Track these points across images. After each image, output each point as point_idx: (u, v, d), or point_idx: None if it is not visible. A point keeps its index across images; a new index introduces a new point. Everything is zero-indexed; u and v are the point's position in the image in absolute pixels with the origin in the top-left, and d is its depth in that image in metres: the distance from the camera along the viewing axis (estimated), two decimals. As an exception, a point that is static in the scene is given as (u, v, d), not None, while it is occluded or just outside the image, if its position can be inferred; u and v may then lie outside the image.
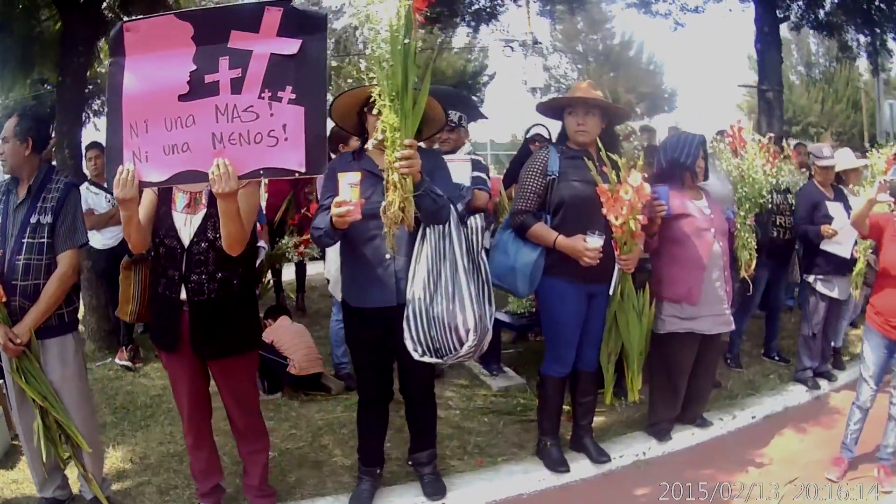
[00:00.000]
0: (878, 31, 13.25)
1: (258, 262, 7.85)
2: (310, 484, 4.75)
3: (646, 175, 4.48)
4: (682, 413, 5.77)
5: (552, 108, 4.95)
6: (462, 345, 3.78)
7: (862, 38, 13.93)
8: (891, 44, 13.76)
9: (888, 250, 4.92)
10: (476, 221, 4.04)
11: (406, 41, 3.28)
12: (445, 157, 6.61)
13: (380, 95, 3.41)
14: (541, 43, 23.42)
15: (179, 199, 3.79)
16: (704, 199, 5.33)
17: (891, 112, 16.10)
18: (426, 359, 3.86)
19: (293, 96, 3.36)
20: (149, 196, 3.79)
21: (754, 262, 5.73)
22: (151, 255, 3.94)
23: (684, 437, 5.75)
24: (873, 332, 4.99)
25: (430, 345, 3.83)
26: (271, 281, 8.45)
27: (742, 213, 5.67)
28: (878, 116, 16.61)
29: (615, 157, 4.45)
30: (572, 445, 5.27)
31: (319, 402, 6.15)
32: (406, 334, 3.84)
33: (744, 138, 5.74)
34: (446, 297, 3.77)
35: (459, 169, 6.21)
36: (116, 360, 7.22)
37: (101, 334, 7.79)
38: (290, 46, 3.34)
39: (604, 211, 4.49)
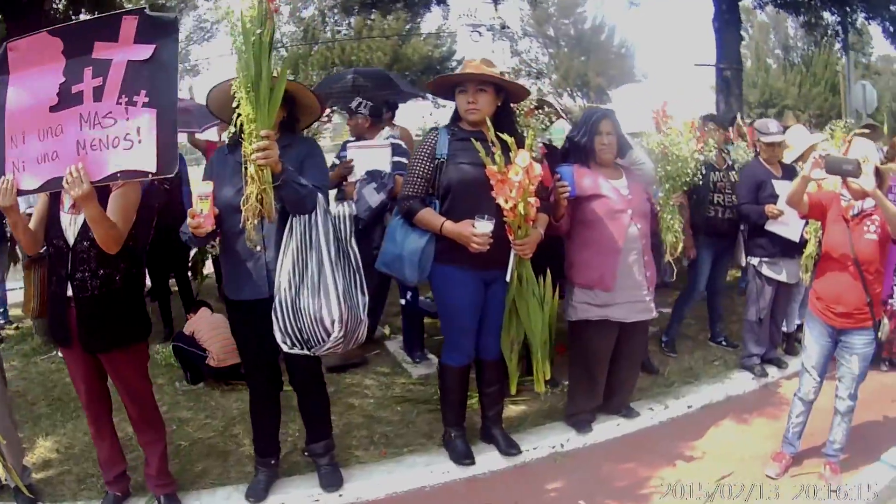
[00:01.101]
0: (848, 9, 12.94)
1: (192, 253, 8.19)
2: (214, 473, 4.73)
3: (535, 155, 4.31)
4: (607, 403, 5.48)
5: (443, 87, 4.70)
6: (329, 336, 3.79)
7: (830, 17, 13.67)
8: (862, 23, 13.43)
9: (832, 231, 4.58)
10: (343, 209, 3.99)
11: (259, 31, 3.33)
12: (362, 143, 6.65)
13: (239, 87, 3.45)
14: (509, 28, 23.17)
15: (66, 200, 3.89)
16: (623, 179, 5.03)
17: (863, 93, 15.79)
18: (295, 350, 3.87)
19: (146, 100, 3.52)
20: (42, 198, 3.99)
21: (681, 244, 5.37)
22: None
23: (608, 429, 5.45)
24: (815, 320, 4.69)
25: (299, 336, 3.83)
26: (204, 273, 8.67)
27: (664, 193, 5.33)
28: (849, 96, 16.34)
29: (505, 136, 4.19)
30: (482, 436, 5.08)
31: (240, 391, 5.96)
32: (275, 326, 3.83)
33: (668, 114, 5.36)
34: (312, 289, 3.77)
35: (377, 155, 6.31)
36: (58, 353, 7.01)
37: (46, 329, 7.52)
38: (145, 52, 3.51)
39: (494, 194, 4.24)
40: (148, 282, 7.23)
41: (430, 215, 4.35)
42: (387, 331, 7.45)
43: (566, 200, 4.69)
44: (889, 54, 32.10)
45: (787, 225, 6.08)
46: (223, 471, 4.75)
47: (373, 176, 6.21)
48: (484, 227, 4.12)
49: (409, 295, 6.63)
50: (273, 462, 4.49)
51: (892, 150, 7.54)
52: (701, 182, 5.84)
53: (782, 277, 6.28)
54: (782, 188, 6.13)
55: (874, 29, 13.88)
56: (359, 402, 5.83)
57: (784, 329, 7.04)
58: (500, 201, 4.14)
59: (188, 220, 3.67)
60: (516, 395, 5.52)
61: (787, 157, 6.76)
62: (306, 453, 4.69)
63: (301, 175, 3.78)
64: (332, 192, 7.94)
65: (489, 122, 4.20)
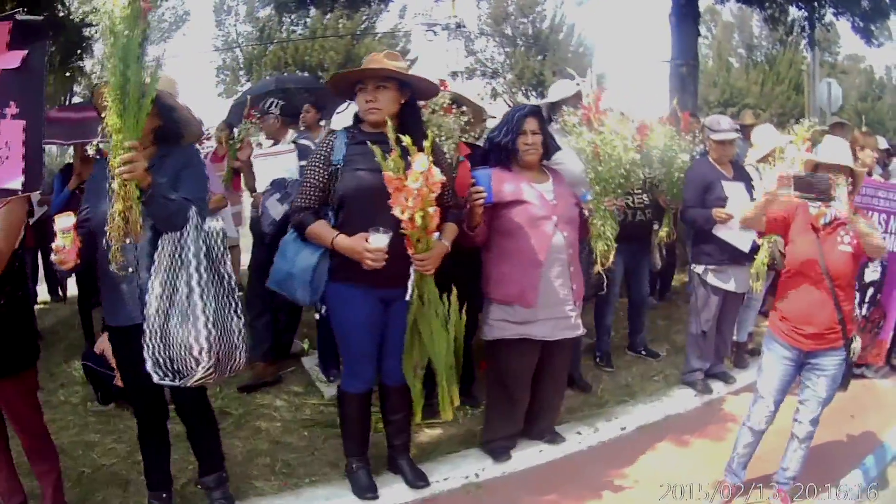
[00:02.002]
0: (816, 4, 12.69)
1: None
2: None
3: (449, 159, 3.96)
4: (529, 427, 5.00)
5: (343, 86, 4.21)
6: (198, 364, 3.43)
7: (797, 12, 13.42)
8: (830, 18, 13.26)
9: (799, 243, 4.08)
10: (215, 226, 3.62)
11: (128, 33, 3.04)
12: (265, 151, 6.22)
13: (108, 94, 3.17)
14: (465, 27, 22.92)
15: None
16: (550, 183, 4.60)
17: (828, 91, 15.57)
18: (167, 381, 3.49)
19: (16, 111, 3.34)
20: None
21: (613, 254, 4.90)
22: None
23: (529, 456, 4.95)
24: (776, 342, 4.19)
25: (170, 366, 3.47)
26: None
27: (595, 196, 4.85)
28: (813, 94, 16.16)
29: (405, 138, 3.71)
30: (389, 466, 4.62)
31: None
32: (145, 355, 3.45)
33: (600, 108, 4.85)
34: (181, 314, 3.43)
35: (282, 162, 5.87)
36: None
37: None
38: (15, 59, 3.34)
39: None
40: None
41: (321, 229, 3.95)
42: (305, 345, 6.91)
43: (482, 208, 4.27)
44: (856, 53, 32.54)
45: (734, 230, 5.61)
46: (123, 500, 4.40)
47: (276, 186, 5.73)
48: (379, 241, 3.73)
49: (324, 309, 6.10)
50: (164, 496, 4.11)
51: (854, 145, 7.12)
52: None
53: (730, 287, 5.83)
54: (733, 190, 5.72)
55: (842, 25, 13.62)
56: (266, 425, 5.39)
57: (735, 338, 6.62)
58: (397, 211, 3.69)
59: (52, 254, 3.33)
60: (432, 419, 5.07)
61: (751, 157, 6.37)
62: (199, 486, 4.34)
63: (177, 187, 3.53)
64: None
65: (389, 123, 3.77)
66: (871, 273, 6.15)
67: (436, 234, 3.93)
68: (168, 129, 3.75)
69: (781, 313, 4.15)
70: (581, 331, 4.73)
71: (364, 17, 22.63)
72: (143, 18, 3.12)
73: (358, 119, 4.16)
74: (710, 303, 5.85)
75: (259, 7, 21.70)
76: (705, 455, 5.04)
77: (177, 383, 3.51)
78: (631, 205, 6.20)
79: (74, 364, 6.39)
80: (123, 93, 3.12)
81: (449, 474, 4.65)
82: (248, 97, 8.75)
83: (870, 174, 6.72)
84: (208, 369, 3.47)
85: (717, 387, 6.14)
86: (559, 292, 4.51)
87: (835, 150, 4.09)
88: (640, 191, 6.28)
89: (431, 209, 3.71)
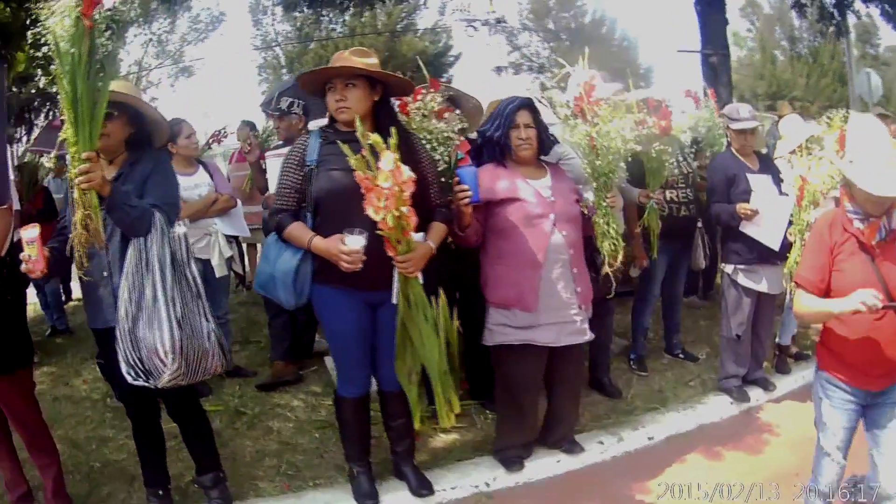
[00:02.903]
0: None
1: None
2: (118, 498, 4.41)
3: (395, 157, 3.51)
4: (545, 436, 4.79)
5: (314, 86, 4.10)
6: (166, 367, 3.48)
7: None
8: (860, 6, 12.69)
9: (848, 270, 3.28)
10: (179, 230, 3.67)
11: (73, 51, 3.12)
12: (278, 151, 6.09)
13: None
14: (505, 22, 22.71)
15: None
16: (547, 178, 4.40)
17: (868, 81, 15.02)
18: (140, 382, 3.53)
19: None
20: None
21: (620, 254, 4.52)
22: None
23: (545, 466, 4.71)
24: (834, 385, 3.44)
25: (141, 367, 3.52)
26: None
27: (595, 192, 4.54)
28: (851, 84, 15.64)
29: (374, 136, 3.51)
30: (395, 472, 4.48)
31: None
32: (119, 357, 3.52)
33: (597, 98, 4.45)
34: (148, 316, 3.49)
35: None
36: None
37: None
38: None
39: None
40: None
41: (299, 231, 3.88)
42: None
43: (470, 207, 4.08)
44: (897, 44, 31.64)
45: (764, 227, 5.25)
46: (127, 496, 4.39)
47: None
48: (354, 242, 3.62)
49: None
50: (161, 493, 4.15)
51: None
52: None
53: (762, 287, 5.45)
54: (758, 183, 5.36)
55: (873, 11, 13.19)
56: (279, 425, 5.31)
57: (777, 341, 6.27)
58: (370, 212, 3.52)
59: (22, 263, 3.45)
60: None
61: (781, 149, 5.96)
62: (196, 485, 4.32)
63: (145, 193, 3.61)
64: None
65: (359, 121, 3.60)
66: None
67: (420, 235, 3.82)
68: (139, 136, 3.86)
69: (841, 357, 3.39)
70: (588, 336, 4.47)
71: (403, 14, 22.58)
72: (88, 36, 3.16)
73: (333, 119, 4.04)
74: (743, 305, 5.50)
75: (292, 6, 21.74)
76: (738, 468, 4.70)
77: (149, 384, 3.55)
78: (674, 199, 5.94)
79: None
80: (75, 107, 3.19)
81: (457, 483, 4.47)
82: (276, 95, 8.62)
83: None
84: (176, 371, 3.50)
85: (756, 394, 5.77)
86: (562, 295, 4.29)
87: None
88: (682, 185, 5.99)
89: (404, 209, 3.54)
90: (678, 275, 6.39)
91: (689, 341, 6.84)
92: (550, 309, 4.26)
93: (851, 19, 13.67)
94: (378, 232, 3.58)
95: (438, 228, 3.99)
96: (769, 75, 28.67)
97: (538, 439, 4.79)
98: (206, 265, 5.78)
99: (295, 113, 6.31)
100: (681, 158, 6.13)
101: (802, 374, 6.24)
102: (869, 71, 15.69)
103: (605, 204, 4.44)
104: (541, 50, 28.29)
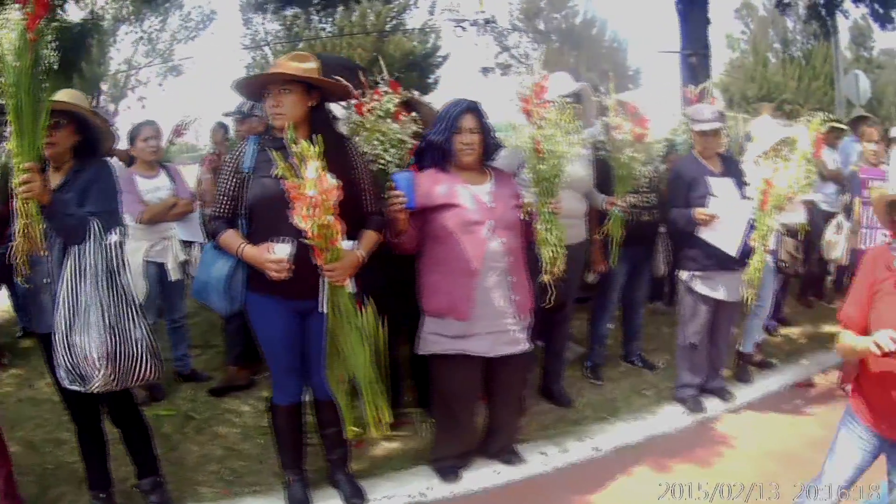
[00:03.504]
0: None
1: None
2: (66, 500, 4.39)
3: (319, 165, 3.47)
4: (486, 445, 4.69)
5: (251, 92, 4.11)
6: (98, 372, 3.52)
7: None
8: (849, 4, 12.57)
9: (884, 310, 3.08)
10: (113, 238, 3.67)
11: (16, 63, 3.14)
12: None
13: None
14: (494, 22, 22.60)
15: None
16: (489, 184, 4.29)
17: (856, 82, 14.85)
18: (76, 387, 3.60)
19: None
20: None
21: (562, 262, 4.36)
22: None
23: (484, 476, 4.59)
24: (857, 423, 3.27)
25: (76, 372, 3.57)
26: None
27: (539, 198, 4.36)
28: (837, 85, 15.48)
29: (303, 143, 3.46)
30: (330, 481, 4.42)
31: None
32: (56, 361, 3.59)
33: (545, 98, 4.32)
34: (81, 322, 3.54)
35: None
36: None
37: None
38: None
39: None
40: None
41: (231, 238, 3.87)
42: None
43: (404, 213, 4.00)
44: (892, 48, 31.53)
45: (722, 233, 5.12)
46: (76, 498, 4.37)
47: None
48: (281, 250, 3.65)
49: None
50: (103, 496, 4.17)
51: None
52: None
53: (719, 295, 5.32)
54: (720, 187, 5.23)
55: (863, 11, 13.06)
56: (226, 430, 5.26)
57: (739, 348, 6.15)
58: (297, 220, 3.46)
59: None
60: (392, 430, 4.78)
61: (752, 152, 5.77)
62: (135, 489, 4.31)
63: (85, 201, 3.66)
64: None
65: (290, 128, 3.56)
66: None
67: (352, 243, 3.78)
68: (85, 144, 3.89)
69: (864, 393, 3.24)
70: (524, 347, 4.36)
71: (391, 14, 22.49)
72: (32, 50, 3.19)
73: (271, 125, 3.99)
74: (699, 312, 5.37)
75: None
76: (687, 482, 4.54)
77: (83, 389, 3.58)
78: (637, 204, 5.77)
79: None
80: (19, 118, 3.22)
81: (393, 492, 4.39)
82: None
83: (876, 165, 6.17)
84: (107, 377, 3.53)
85: (713, 404, 5.65)
86: (497, 304, 4.19)
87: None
88: (647, 189, 5.83)
89: (330, 218, 3.47)
90: (639, 280, 6.26)
91: (650, 349, 6.72)
92: (485, 318, 4.17)
93: (843, 20, 13.50)
94: (304, 240, 3.54)
95: (370, 236, 3.94)
96: (760, 78, 28.58)
97: (478, 449, 4.69)
98: (161, 268, 5.79)
99: (256, 115, 6.19)
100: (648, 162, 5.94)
101: (765, 384, 6.17)
102: (858, 73, 15.51)
103: (547, 210, 4.29)
104: (530, 51, 28.19)
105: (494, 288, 4.16)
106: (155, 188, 5.84)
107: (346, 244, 3.69)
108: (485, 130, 4.26)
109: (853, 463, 3.28)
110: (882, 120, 10.79)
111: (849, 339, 3.11)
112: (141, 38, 25.63)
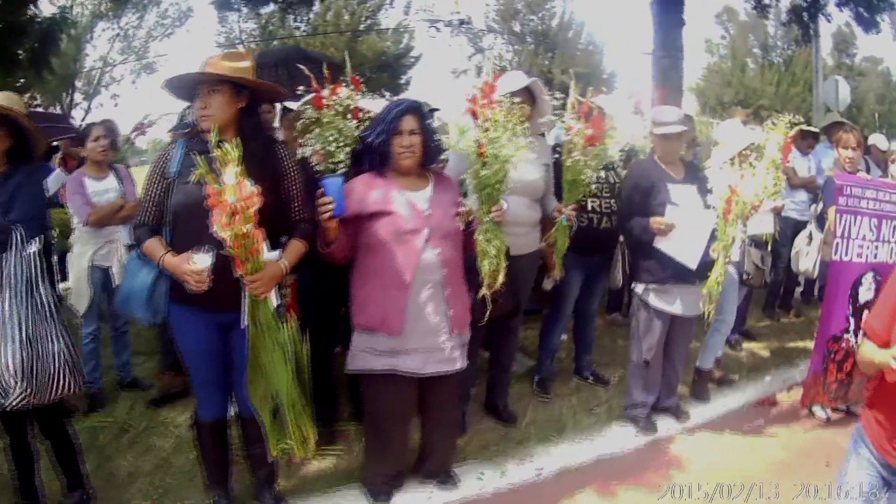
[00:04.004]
0: None
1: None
2: None
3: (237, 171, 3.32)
4: (420, 466, 4.44)
5: (184, 91, 3.82)
6: (14, 386, 3.51)
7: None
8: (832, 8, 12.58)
9: None
10: (32, 247, 3.64)
11: None
12: None
13: None
14: (469, 23, 22.45)
15: None
16: (429, 190, 4.03)
17: (836, 88, 14.69)
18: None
19: None
20: None
21: (501, 275, 4.12)
22: None
23: (416, 499, 4.35)
24: (866, 445, 3.14)
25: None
26: None
27: (481, 205, 4.12)
28: (816, 90, 15.36)
29: (226, 146, 3.30)
30: (257, 500, 4.25)
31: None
32: None
33: (493, 99, 4.06)
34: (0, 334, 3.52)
35: None
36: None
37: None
38: None
39: None
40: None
41: (154, 247, 3.69)
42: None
43: (334, 222, 3.76)
44: (874, 55, 31.68)
45: (681, 243, 4.84)
46: None
47: None
48: (201, 261, 3.45)
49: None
50: None
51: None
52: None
53: (676, 310, 5.05)
54: (681, 195, 4.96)
55: (844, 15, 13.03)
56: (160, 443, 5.04)
57: (697, 364, 5.87)
58: (217, 229, 3.28)
59: None
60: (326, 446, 4.72)
61: (718, 158, 5.47)
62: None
63: (11, 207, 3.66)
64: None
65: (215, 130, 3.40)
66: (866, 292, 5.33)
67: (276, 253, 3.60)
68: (18, 148, 3.84)
69: (878, 419, 3.11)
70: (459, 365, 4.11)
71: (366, 14, 22.41)
72: None
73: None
74: (654, 328, 5.10)
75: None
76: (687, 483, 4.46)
77: (3, 403, 3.53)
78: (596, 209, 5.56)
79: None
80: None
81: (322, 513, 4.10)
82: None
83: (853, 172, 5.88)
84: (23, 392, 3.51)
85: (667, 424, 5.39)
86: (431, 319, 3.94)
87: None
88: (608, 194, 5.59)
89: (248, 227, 3.28)
90: (594, 291, 5.99)
91: (604, 362, 6.44)
92: (417, 334, 3.93)
93: (826, 27, 13.41)
94: (223, 251, 3.40)
95: (295, 246, 3.76)
96: (737, 83, 28.60)
97: (413, 469, 4.45)
98: (107, 273, 5.65)
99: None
100: (609, 165, 5.68)
101: (724, 402, 5.91)
102: (838, 79, 15.40)
103: (487, 219, 4.05)
104: (505, 53, 28.09)
105: (428, 302, 3.93)
106: (104, 190, 5.69)
107: (269, 254, 3.53)
108: (426, 132, 4.02)
109: (862, 488, 3.13)
110: (861, 127, 10.60)
111: (869, 350, 3.00)
112: (117, 34, 25.51)
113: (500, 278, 4.06)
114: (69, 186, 5.63)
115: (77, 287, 5.54)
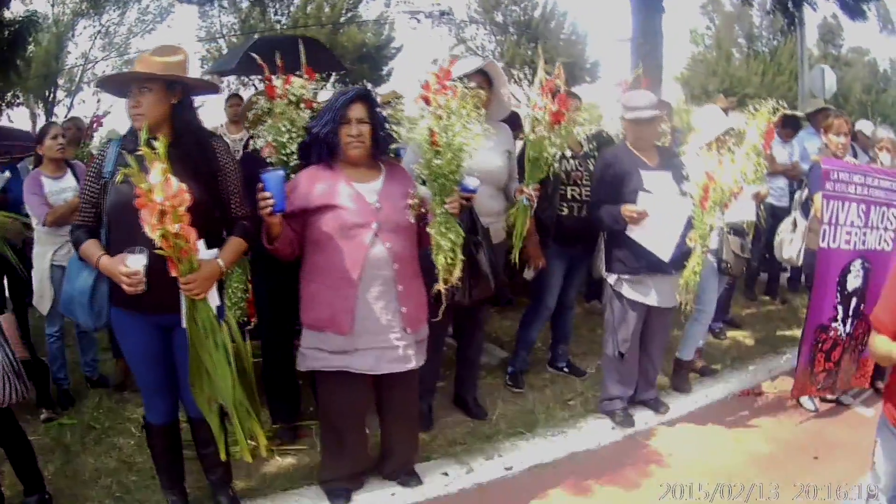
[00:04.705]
0: None
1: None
2: None
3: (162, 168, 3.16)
4: (381, 465, 4.27)
5: (119, 89, 3.72)
6: None
7: None
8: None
9: None
10: None
11: None
12: None
13: None
14: (449, 14, 22.35)
15: None
16: (379, 181, 3.87)
17: (822, 76, 14.53)
18: None
19: None
20: None
21: (458, 269, 3.88)
22: None
23: (378, 499, 4.18)
24: (889, 430, 3.10)
25: None
26: None
27: (435, 198, 3.88)
28: (801, 79, 15.20)
29: (157, 143, 3.14)
30: (213, 501, 4.15)
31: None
32: None
33: (446, 85, 3.83)
34: None
35: None
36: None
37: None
38: None
39: None
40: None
41: (90, 249, 3.58)
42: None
43: (276, 217, 3.58)
44: (860, 46, 31.68)
45: (654, 233, 4.64)
46: None
47: None
48: (135, 262, 3.35)
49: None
50: None
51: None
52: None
53: (650, 301, 4.86)
54: (654, 182, 4.75)
55: (830, 6, 12.86)
56: (123, 441, 4.90)
57: (677, 355, 5.68)
58: (147, 229, 3.16)
59: None
60: (287, 444, 4.63)
61: (694, 144, 5.22)
62: None
63: None
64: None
65: (145, 128, 3.27)
66: (854, 279, 5.20)
67: (213, 251, 3.48)
68: None
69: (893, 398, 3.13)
70: (413, 363, 3.93)
71: (349, 5, 22.32)
72: None
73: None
74: (628, 319, 4.91)
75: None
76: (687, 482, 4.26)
77: None
78: (576, 198, 5.39)
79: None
80: None
81: (278, 515, 3.97)
82: None
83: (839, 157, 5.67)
84: None
85: (645, 417, 5.20)
86: (382, 317, 3.78)
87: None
88: (588, 182, 5.39)
89: (177, 226, 3.16)
90: (573, 281, 5.78)
91: (581, 352, 6.24)
92: (369, 332, 3.77)
93: (812, 16, 13.28)
94: (157, 251, 3.27)
95: (234, 244, 3.63)
96: (722, 72, 28.56)
97: (376, 468, 4.28)
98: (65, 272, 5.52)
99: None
100: (588, 153, 5.56)
101: (706, 393, 5.74)
102: (824, 67, 15.24)
103: (441, 211, 3.82)
104: (487, 43, 27.96)
105: (378, 299, 3.77)
106: (61, 189, 5.60)
107: (205, 253, 3.41)
108: (375, 121, 3.84)
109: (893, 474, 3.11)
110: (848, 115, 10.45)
111: (883, 344, 2.92)
112: (99, 31, 25.43)
113: (457, 273, 3.85)
114: (26, 186, 5.53)
115: (39, 287, 5.46)
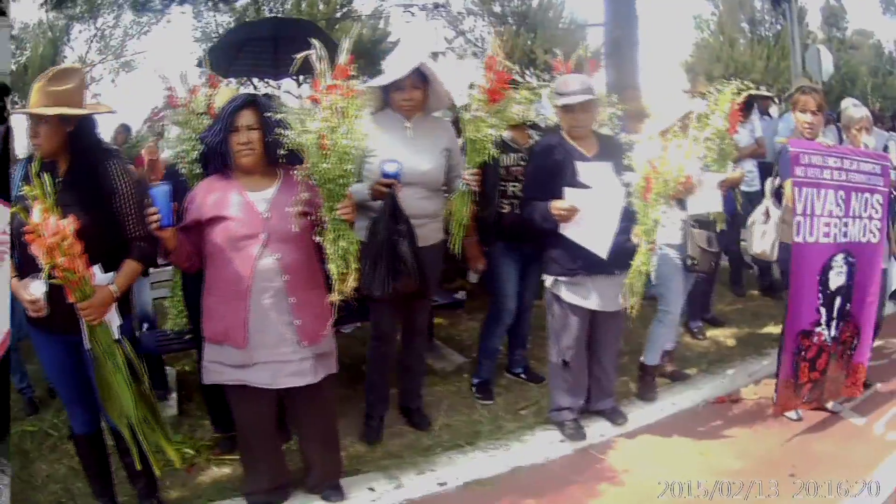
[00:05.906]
0: None
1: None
2: None
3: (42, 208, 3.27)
4: (306, 479, 4.19)
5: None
6: None
7: None
8: None
9: None
10: None
11: None
12: None
13: None
14: (444, 6, 22.24)
15: None
16: (273, 189, 3.76)
17: (818, 57, 14.12)
18: None
19: None
20: None
21: (352, 277, 3.69)
22: None
23: None
24: None
25: None
26: None
27: (325, 204, 3.71)
28: (793, 60, 14.89)
29: (46, 177, 3.26)
30: None
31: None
32: None
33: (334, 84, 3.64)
34: None
35: None
36: None
37: None
38: None
39: None
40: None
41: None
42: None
43: (167, 232, 3.53)
44: (864, 28, 31.17)
45: (589, 229, 4.37)
46: None
47: None
48: (35, 289, 3.43)
49: (144, 327, 6.07)
50: None
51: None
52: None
53: (591, 304, 4.58)
54: (592, 174, 4.44)
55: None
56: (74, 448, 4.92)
57: (641, 359, 5.38)
58: (40, 261, 3.25)
59: None
60: (224, 454, 4.63)
61: (651, 127, 4.89)
62: None
63: None
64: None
65: (37, 161, 3.41)
66: (837, 276, 4.75)
67: (109, 276, 3.50)
68: None
69: None
70: (312, 377, 3.79)
71: (341, 2, 22.51)
72: None
73: None
74: (570, 325, 4.63)
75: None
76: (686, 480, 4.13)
77: None
78: (519, 194, 5.07)
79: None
80: None
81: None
82: None
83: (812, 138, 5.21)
84: None
85: (602, 428, 4.92)
86: (275, 330, 3.69)
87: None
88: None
89: (62, 259, 3.21)
90: (528, 281, 5.49)
91: (541, 356, 5.80)
92: (264, 346, 3.69)
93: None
94: (51, 280, 3.33)
95: (127, 268, 3.65)
96: (726, 58, 28.31)
97: (303, 482, 4.20)
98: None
99: None
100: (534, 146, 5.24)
101: (673, 401, 5.37)
102: (819, 47, 14.91)
103: (330, 217, 3.69)
104: (485, 35, 27.79)
105: (269, 311, 3.68)
106: None
107: (101, 277, 3.45)
108: (266, 127, 3.71)
109: None
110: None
111: None
112: (94, 35, 25.47)
113: (351, 283, 3.70)
114: None
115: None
